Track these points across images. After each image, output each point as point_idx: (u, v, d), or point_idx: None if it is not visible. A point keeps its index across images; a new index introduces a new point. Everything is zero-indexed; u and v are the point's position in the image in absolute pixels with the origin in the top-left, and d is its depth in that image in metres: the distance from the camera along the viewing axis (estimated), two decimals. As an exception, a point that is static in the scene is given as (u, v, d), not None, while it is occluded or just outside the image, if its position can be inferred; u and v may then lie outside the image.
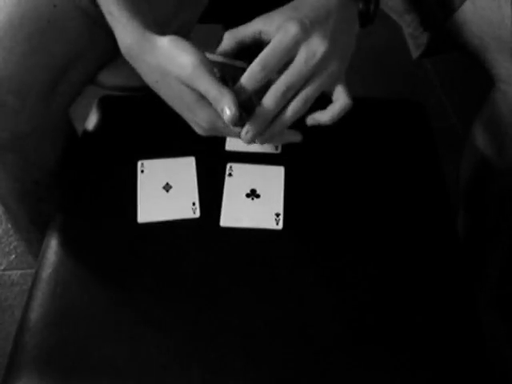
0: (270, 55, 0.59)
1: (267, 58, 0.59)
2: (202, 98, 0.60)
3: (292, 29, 0.59)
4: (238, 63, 0.65)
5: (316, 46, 0.60)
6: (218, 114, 0.59)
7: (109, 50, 0.78)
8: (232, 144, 0.77)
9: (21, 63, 0.71)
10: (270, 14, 0.63)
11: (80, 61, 0.76)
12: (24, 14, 0.71)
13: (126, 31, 0.62)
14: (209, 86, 0.58)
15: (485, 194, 0.92)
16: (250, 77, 0.60)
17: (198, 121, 0.62)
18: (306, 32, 0.60)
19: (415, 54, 0.86)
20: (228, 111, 0.58)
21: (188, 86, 0.60)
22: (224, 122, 0.60)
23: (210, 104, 0.60)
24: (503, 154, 0.84)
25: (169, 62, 0.60)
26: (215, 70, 0.61)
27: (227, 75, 0.63)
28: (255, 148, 0.77)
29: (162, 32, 0.63)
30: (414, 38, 0.85)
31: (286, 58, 0.60)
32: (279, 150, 0.78)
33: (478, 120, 0.88)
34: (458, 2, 0.75)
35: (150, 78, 0.63)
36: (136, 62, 0.63)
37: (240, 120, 0.60)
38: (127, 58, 0.64)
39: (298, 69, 0.60)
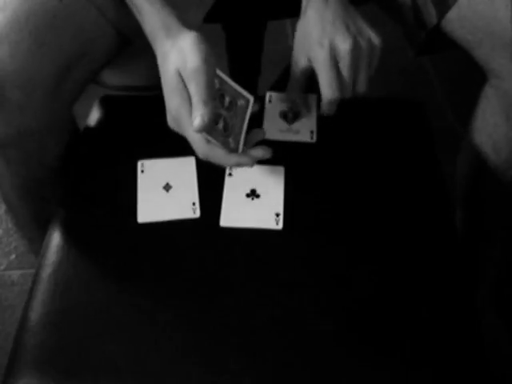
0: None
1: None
2: (186, 96, 0.65)
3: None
4: (245, 93, 0.69)
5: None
6: (185, 107, 0.64)
7: (115, 47, 0.78)
8: (268, 133, 0.77)
9: (26, 58, 0.71)
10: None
11: (86, 56, 0.76)
12: (30, 9, 0.72)
13: (159, 14, 0.67)
14: (198, 92, 0.63)
15: (481, 193, 0.92)
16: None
17: (170, 108, 0.66)
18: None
19: (412, 52, 0.86)
20: (199, 119, 0.62)
21: (182, 80, 0.64)
22: (186, 120, 0.65)
23: (187, 100, 0.65)
24: (498, 151, 0.84)
25: (182, 53, 0.65)
26: (216, 81, 0.67)
27: (227, 94, 0.69)
28: (290, 137, 0.78)
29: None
30: (410, 37, 0.86)
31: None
32: (314, 140, 0.78)
33: (473, 116, 0.88)
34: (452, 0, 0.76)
35: (159, 59, 0.68)
36: (157, 44, 0.68)
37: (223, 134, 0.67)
38: (152, 38, 0.68)
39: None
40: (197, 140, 0.67)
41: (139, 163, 0.77)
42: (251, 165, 0.68)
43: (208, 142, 0.66)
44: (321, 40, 0.69)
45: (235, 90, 0.69)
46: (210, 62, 0.64)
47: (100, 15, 0.74)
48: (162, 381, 0.62)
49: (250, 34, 1.01)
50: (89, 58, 0.77)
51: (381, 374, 0.62)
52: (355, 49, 0.69)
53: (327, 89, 0.70)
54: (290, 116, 0.81)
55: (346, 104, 0.86)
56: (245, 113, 0.69)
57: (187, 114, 0.65)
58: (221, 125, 0.67)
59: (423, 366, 0.62)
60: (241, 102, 0.69)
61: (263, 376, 0.62)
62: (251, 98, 0.69)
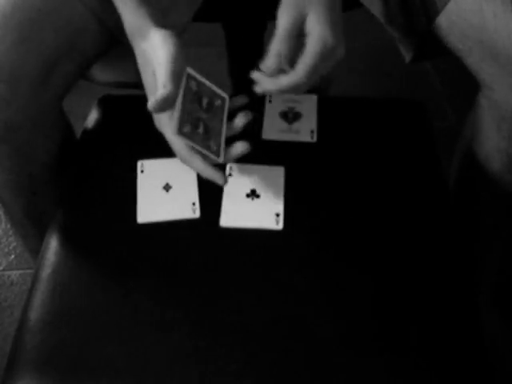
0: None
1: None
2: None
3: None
4: (220, 92, 0.72)
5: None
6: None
7: (102, 42, 0.78)
8: (268, 133, 0.79)
9: (11, 52, 0.72)
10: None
11: (73, 51, 0.76)
12: (15, 3, 0.72)
13: (133, 16, 0.69)
14: (163, 73, 0.64)
15: (475, 198, 0.91)
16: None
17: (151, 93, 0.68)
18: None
19: (407, 58, 0.86)
20: (152, 99, 0.63)
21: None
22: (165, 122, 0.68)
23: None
24: (490, 161, 0.83)
25: (153, 51, 0.66)
26: (193, 83, 0.69)
27: (205, 95, 0.70)
28: (290, 137, 0.78)
29: (163, 23, 0.69)
30: (403, 43, 0.85)
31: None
32: (314, 139, 0.78)
33: (466, 125, 0.87)
34: (441, 4, 0.75)
35: (138, 60, 0.70)
36: (134, 44, 0.69)
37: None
38: (130, 39, 0.69)
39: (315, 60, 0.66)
40: (177, 144, 0.68)
41: (139, 163, 0.76)
42: (222, 183, 0.70)
43: (188, 147, 0.68)
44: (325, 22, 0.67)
45: (211, 90, 0.71)
46: (177, 56, 0.65)
47: (86, 10, 0.74)
48: (162, 381, 0.62)
49: (250, 33, 1.01)
50: (76, 52, 0.77)
51: (381, 374, 0.62)
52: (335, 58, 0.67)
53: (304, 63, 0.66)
54: (290, 116, 0.81)
55: (347, 104, 0.86)
56: (222, 113, 0.71)
57: (165, 115, 0.66)
58: (201, 129, 0.68)
59: (424, 367, 0.62)
60: (218, 102, 0.71)
61: (263, 377, 0.62)
62: (226, 97, 0.71)
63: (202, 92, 0.70)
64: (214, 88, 0.71)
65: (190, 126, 0.67)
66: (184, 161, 0.70)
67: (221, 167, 0.75)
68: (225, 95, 0.71)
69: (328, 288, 0.68)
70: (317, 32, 0.65)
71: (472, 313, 0.67)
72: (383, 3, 0.84)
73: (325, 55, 0.65)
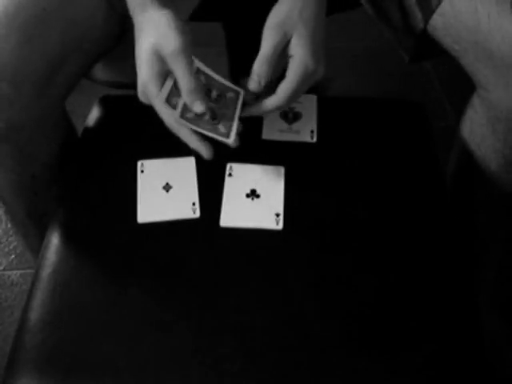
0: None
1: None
2: (156, 71, 0.66)
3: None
4: (234, 86, 0.71)
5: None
6: (152, 81, 0.65)
7: (106, 41, 0.78)
8: (268, 133, 0.79)
9: (15, 51, 0.71)
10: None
11: (77, 51, 0.76)
12: (19, 2, 0.72)
13: None
14: (185, 74, 0.64)
15: (473, 198, 0.91)
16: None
17: (139, 79, 0.67)
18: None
19: (406, 57, 0.86)
20: (200, 106, 0.65)
21: (159, 60, 0.65)
22: (153, 94, 0.66)
23: (155, 75, 0.65)
24: (487, 162, 0.83)
25: (158, 30, 0.65)
26: (201, 77, 0.69)
27: (214, 87, 0.70)
28: (290, 137, 0.78)
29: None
30: (400, 42, 0.85)
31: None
32: (314, 139, 0.78)
33: (462, 126, 0.87)
34: (435, 3, 0.75)
35: (136, 34, 0.68)
36: (133, 17, 0.68)
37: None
38: (131, 13, 0.69)
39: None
40: (165, 112, 0.67)
41: (139, 163, 0.76)
42: (207, 155, 0.68)
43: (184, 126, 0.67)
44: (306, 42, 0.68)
45: (223, 85, 0.71)
46: (188, 41, 0.65)
47: (91, 7, 0.74)
48: (162, 381, 0.62)
49: (250, 32, 1.01)
50: (80, 52, 0.77)
51: (380, 374, 0.62)
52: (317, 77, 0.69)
53: (283, 93, 0.68)
54: (290, 116, 0.81)
55: (347, 104, 0.86)
56: (236, 102, 0.71)
57: (154, 87, 0.65)
58: (207, 116, 0.68)
59: (424, 367, 0.62)
60: (230, 95, 0.71)
61: (263, 376, 0.62)
62: (241, 91, 0.71)
63: (211, 85, 0.70)
64: (227, 83, 0.71)
65: (193, 113, 0.67)
66: (172, 128, 0.68)
67: (220, 167, 0.75)
68: (239, 90, 0.71)
69: (328, 288, 0.68)
70: (299, 56, 0.67)
71: (472, 313, 0.67)
72: (380, 3, 0.84)
73: (305, 78, 0.67)
